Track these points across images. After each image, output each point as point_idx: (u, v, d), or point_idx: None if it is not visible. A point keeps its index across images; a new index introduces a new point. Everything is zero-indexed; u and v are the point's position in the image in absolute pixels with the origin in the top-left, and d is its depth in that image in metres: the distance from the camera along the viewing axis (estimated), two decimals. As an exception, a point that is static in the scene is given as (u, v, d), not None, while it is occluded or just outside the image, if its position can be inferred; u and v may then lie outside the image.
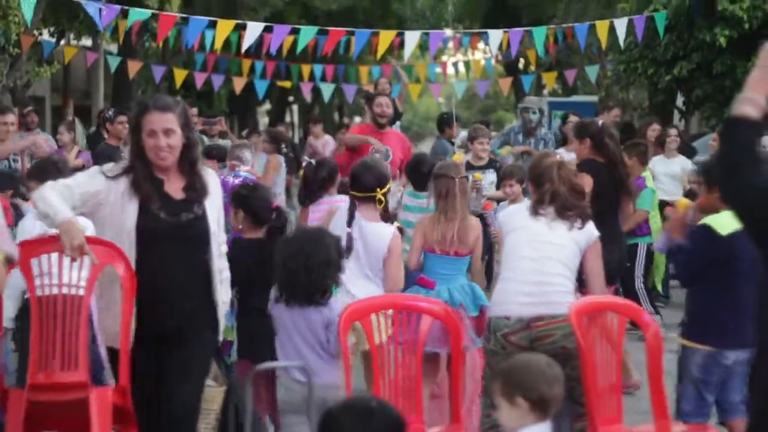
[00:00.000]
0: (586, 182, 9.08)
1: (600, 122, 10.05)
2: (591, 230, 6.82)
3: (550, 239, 6.63)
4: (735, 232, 6.18)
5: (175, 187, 5.83)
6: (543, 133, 15.35)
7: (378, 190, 7.84)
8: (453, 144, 14.80)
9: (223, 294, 6.11)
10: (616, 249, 9.30)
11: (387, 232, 7.72)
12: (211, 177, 6.06)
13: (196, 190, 5.85)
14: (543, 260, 6.62)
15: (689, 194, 10.16)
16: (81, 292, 6.15)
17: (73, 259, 5.62)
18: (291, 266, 6.41)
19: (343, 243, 7.26)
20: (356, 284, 7.47)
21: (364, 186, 7.83)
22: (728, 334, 6.44)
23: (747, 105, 3.79)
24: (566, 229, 6.69)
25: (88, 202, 5.73)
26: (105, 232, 5.82)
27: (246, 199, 7.50)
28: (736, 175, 3.79)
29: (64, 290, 6.15)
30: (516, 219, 6.87)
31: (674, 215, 6.99)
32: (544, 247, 6.62)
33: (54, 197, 5.59)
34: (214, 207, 5.94)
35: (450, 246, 8.05)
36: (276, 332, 6.60)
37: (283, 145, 14.49)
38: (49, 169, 8.21)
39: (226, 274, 6.18)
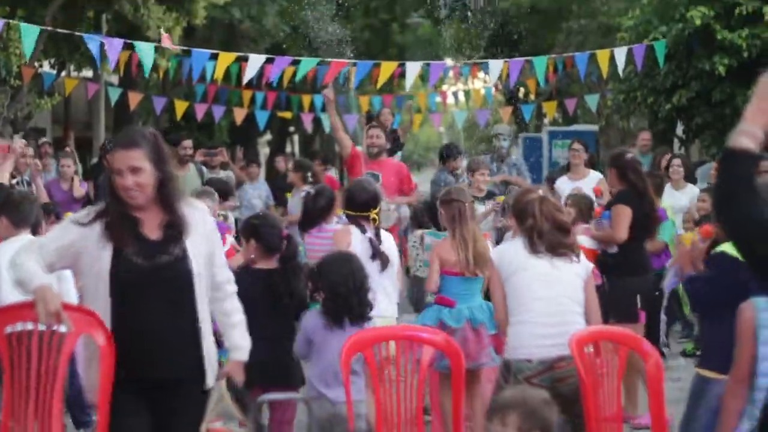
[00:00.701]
0: (624, 214, 9.24)
1: (629, 155, 10.20)
2: (586, 263, 6.87)
3: (558, 277, 6.67)
4: None
5: (152, 227, 5.51)
6: (514, 159, 15.52)
7: (372, 209, 8.07)
8: (456, 176, 14.82)
9: (238, 338, 5.84)
10: (645, 279, 9.41)
11: (392, 240, 8.47)
12: (198, 211, 5.71)
13: (174, 229, 5.50)
14: (557, 300, 6.68)
15: (702, 220, 10.09)
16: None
17: (49, 327, 5.40)
18: (341, 290, 6.91)
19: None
20: (380, 302, 7.69)
21: (361, 205, 8.08)
22: None
23: (744, 137, 3.82)
24: (568, 264, 6.72)
25: (65, 256, 5.48)
26: (85, 282, 5.61)
27: (257, 229, 7.55)
28: (734, 206, 3.82)
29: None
30: (516, 260, 6.87)
31: (681, 249, 6.97)
32: (555, 286, 6.66)
33: (28, 262, 5.35)
34: (201, 244, 5.58)
35: (467, 267, 8.25)
36: (312, 357, 7.05)
37: (309, 174, 14.51)
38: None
39: (239, 317, 5.91)
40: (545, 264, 6.75)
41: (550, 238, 6.77)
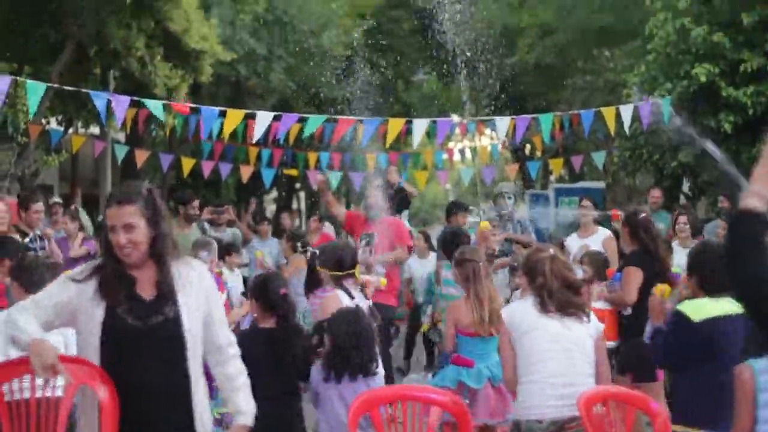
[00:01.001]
0: (634, 276, 9.25)
1: (642, 214, 10.26)
2: (596, 323, 6.85)
3: (569, 337, 6.64)
4: (710, 318, 6.26)
5: (146, 285, 5.40)
6: (519, 217, 15.56)
7: (351, 268, 8.20)
8: None
9: (242, 402, 5.73)
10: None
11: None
12: (195, 270, 5.58)
13: (168, 287, 5.38)
14: (569, 360, 6.65)
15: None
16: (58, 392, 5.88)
17: (47, 381, 5.38)
18: (342, 345, 7.09)
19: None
20: None
21: (347, 265, 8.17)
22: (712, 420, 6.39)
23: (752, 198, 3.85)
24: (578, 323, 6.71)
25: (62, 313, 5.37)
26: (78, 339, 5.47)
27: (256, 288, 7.61)
28: (741, 266, 3.84)
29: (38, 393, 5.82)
30: (527, 319, 6.85)
31: (652, 300, 7.06)
32: (566, 347, 6.64)
33: (22, 319, 5.26)
34: (197, 303, 5.46)
35: (483, 327, 8.29)
36: (317, 408, 7.22)
37: (299, 244, 14.61)
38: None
39: (243, 380, 5.80)
40: (556, 324, 6.74)
41: (559, 297, 6.77)
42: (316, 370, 7.34)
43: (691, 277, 7.05)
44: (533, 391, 6.73)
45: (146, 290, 5.39)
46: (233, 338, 5.79)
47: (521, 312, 7.00)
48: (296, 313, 7.85)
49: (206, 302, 5.52)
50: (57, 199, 17.57)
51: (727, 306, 6.54)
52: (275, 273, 9.15)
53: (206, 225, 16.47)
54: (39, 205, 13.25)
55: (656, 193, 17.41)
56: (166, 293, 5.37)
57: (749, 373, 4.63)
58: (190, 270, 5.53)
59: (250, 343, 6.98)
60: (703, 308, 6.60)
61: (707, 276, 6.89)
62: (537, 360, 6.74)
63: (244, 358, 6.33)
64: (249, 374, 6.32)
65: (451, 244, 10.23)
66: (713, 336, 6.46)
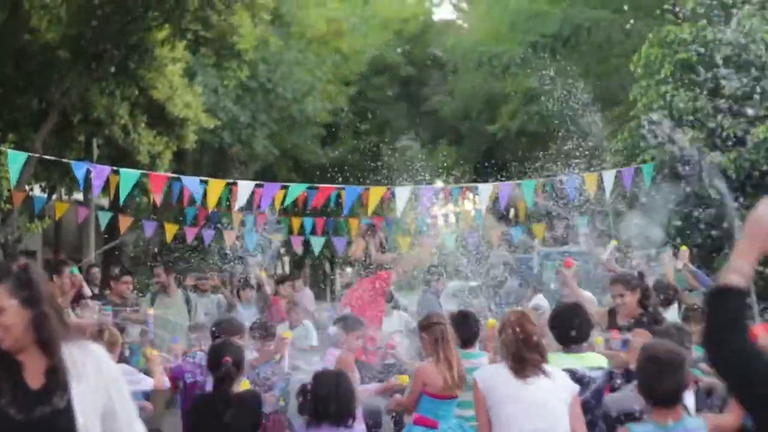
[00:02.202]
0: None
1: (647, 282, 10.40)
2: (571, 385, 6.80)
3: (545, 408, 6.59)
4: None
5: (34, 373, 4.69)
6: (509, 285, 15.62)
7: None
8: (438, 296, 15.01)
9: None
10: None
11: None
12: (93, 357, 4.85)
13: (59, 375, 4.67)
14: (549, 413, 6.62)
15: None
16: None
17: None
18: (323, 393, 7.41)
19: None
20: None
21: None
22: None
23: (733, 274, 3.83)
24: (552, 388, 6.67)
25: None
26: None
27: (211, 355, 7.76)
28: (722, 343, 3.81)
29: None
30: (502, 387, 6.79)
31: None
32: (542, 419, 6.58)
33: None
34: (92, 395, 4.74)
35: (452, 389, 8.36)
36: None
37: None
38: None
39: None
40: (531, 391, 6.66)
41: (513, 351, 6.78)
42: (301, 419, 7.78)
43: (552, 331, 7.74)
44: None
45: (34, 378, 4.70)
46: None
47: (495, 377, 6.95)
48: (234, 382, 7.76)
49: (106, 394, 4.81)
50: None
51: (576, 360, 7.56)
52: (229, 341, 9.10)
53: (191, 294, 16.37)
54: (128, 277, 13.34)
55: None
56: (55, 381, 4.68)
57: None
58: (87, 357, 4.83)
59: (201, 410, 7.47)
60: (555, 362, 7.16)
61: (563, 332, 7.86)
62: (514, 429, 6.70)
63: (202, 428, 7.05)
64: None
65: (462, 329, 10.09)
66: None
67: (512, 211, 31.09)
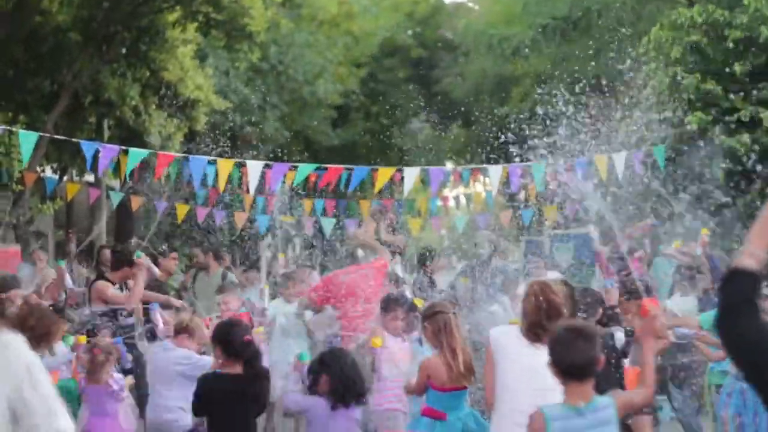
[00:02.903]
0: None
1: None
2: None
3: (543, 370, 6.57)
4: None
5: None
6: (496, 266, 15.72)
7: None
8: (431, 278, 15.25)
9: None
10: None
11: None
12: (5, 350, 4.63)
13: None
14: (541, 393, 6.59)
15: None
16: None
17: None
18: (349, 374, 7.85)
19: None
20: None
21: None
22: None
23: (746, 257, 3.86)
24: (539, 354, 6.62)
25: None
26: None
27: (219, 335, 7.70)
28: (733, 325, 3.83)
29: None
30: (510, 346, 6.83)
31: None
32: (541, 381, 6.57)
33: None
34: (3, 389, 4.48)
35: (459, 380, 8.19)
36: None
37: None
38: None
39: None
40: (533, 354, 6.64)
41: (531, 320, 6.78)
42: (317, 402, 7.94)
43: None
44: (503, 425, 6.82)
45: None
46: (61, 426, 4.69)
47: (506, 335, 7.01)
48: (261, 358, 7.93)
49: (12, 384, 4.55)
50: (37, 245, 17.61)
51: None
52: (239, 320, 9.19)
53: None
54: (175, 254, 13.49)
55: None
56: None
57: (541, 419, 5.27)
58: None
59: (214, 387, 7.50)
60: None
61: None
62: (512, 393, 6.72)
63: (208, 400, 7.21)
64: (212, 415, 6.95)
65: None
66: None
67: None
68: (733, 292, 3.89)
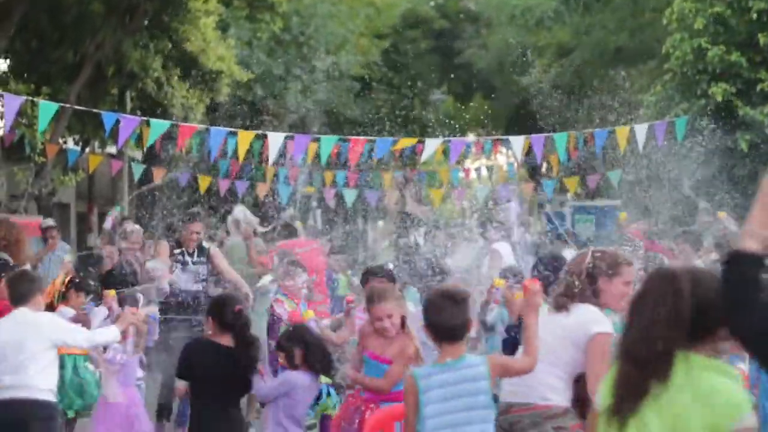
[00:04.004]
0: None
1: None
2: (586, 327, 6.70)
3: (548, 333, 6.62)
4: None
5: None
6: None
7: None
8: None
9: None
10: None
11: None
12: None
13: None
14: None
15: None
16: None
17: None
18: (319, 343, 8.20)
19: None
20: None
21: None
22: None
23: (749, 238, 3.72)
24: (559, 321, 6.66)
25: None
26: None
27: (217, 307, 7.81)
28: (742, 310, 3.73)
29: None
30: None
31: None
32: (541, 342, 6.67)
33: None
34: None
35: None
36: (287, 405, 7.92)
37: None
38: None
39: None
40: (545, 319, 6.71)
41: (564, 287, 6.85)
42: (302, 377, 8.05)
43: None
44: None
45: None
46: None
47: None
48: (250, 327, 8.02)
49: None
50: (51, 222, 17.58)
51: None
52: (231, 293, 9.33)
53: None
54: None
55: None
56: None
57: (411, 381, 5.66)
58: None
59: (203, 356, 7.59)
60: None
61: None
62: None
63: (196, 369, 7.42)
64: (200, 386, 7.20)
65: None
66: None
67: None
68: (737, 275, 3.74)
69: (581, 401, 6.68)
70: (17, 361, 7.89)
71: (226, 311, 7.72)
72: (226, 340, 7.64)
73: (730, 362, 7.05)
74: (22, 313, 8.14)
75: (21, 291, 8.28)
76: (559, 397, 6.66)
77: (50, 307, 9.86)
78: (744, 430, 3.68)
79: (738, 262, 3.76)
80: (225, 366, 7.55)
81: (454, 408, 5.63)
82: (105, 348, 9.13)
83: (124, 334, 8.85)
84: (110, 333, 8.62)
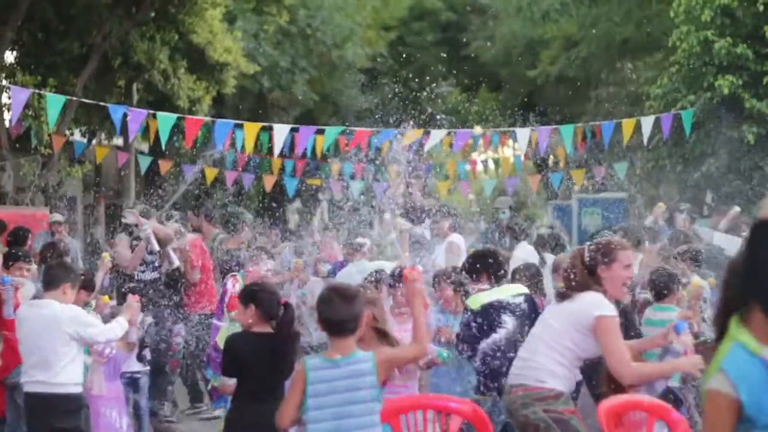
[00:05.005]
0: None
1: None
2: (587, 312, 6.82)
3: (544, 319, 6.85)
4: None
5: None
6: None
7: None
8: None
9: None
10: None
11: None
12: None
13: None
14: (539, 337, 6.99)
15: None
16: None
17: None
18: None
19: None
20: None
21: None
22: None
23: None
24: (564, 307, 6.87)
25: None
26: None
27: (256, 295, 7.66)
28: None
29: None
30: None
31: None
32: (544, 327, 6.80)
33: None
34: None
35: None
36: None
37: None
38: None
39: None
40: (555, 308, 7.08)
41: (570, 278, 7.02)
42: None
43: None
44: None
45: None
46: None
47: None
48: (293, 319, 7.96)
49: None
50: (58, 217, 17.59)
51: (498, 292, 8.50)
52: (270, 282, 9.20)
53: None
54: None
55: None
56: None
57: (302, 368, 5.90)
58: None
59: (249, 348, 7.37)
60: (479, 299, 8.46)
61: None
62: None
63: (239, 360, 7.17)
64: (248, 377, 7.05)
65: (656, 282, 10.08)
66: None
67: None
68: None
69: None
70: (43, 356, 8.18)
71: (270, 302, 7.68)
72: (267, 328, 7.60)
73: None
74: (46, 303, 8.36)
75: (50, 277, 8.52)
76: (556, 381, 6.83)
77: None
78: None
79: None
80: (271, 354, 7.50)
81: (336, 402, 5.87)
82: None
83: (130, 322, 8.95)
84: (120, 326, 8.70)
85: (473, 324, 8.30)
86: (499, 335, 8.16)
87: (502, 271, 8.92)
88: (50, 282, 8.44)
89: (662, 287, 9.56)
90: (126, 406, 10.02)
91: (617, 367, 6.68)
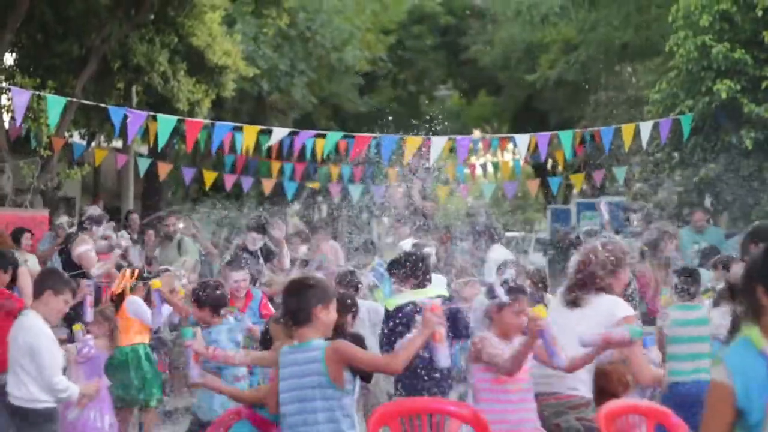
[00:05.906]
0: None
1: None
2: (609, 314, 6.89)
3: (566, 325, 6.86)
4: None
5: None
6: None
7: None
8: None
9: None
10: None
11: None
12: None
13: None
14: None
15: None
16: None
17: None
18: None
19: None
20: None
21: None
22: None
23: None
24: (582, 314, 6.89)
25: None
26: None
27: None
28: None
29: None
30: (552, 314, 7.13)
31: None
32: (559, 335, 6.87)
33: None
34: None
35: None
36: None
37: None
38: None
39: None
40: (561, 313, 7.15)
41: (585, 276, 7.20)
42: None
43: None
44: None
45: None
46: None
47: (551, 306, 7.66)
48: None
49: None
50: (63, 220, 17.57)
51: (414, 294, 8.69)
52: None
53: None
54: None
55: (700, 216, 16.97)
56: None
57: (278, 354, 6.35)
58: None
59: None
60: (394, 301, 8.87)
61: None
62: None
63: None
64: None
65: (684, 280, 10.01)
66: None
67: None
68: None
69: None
70: (20, 373, 8.14)
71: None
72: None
73: None
74: (25, 316, 8.30)
75: (35, 287, 8.51)
76: (586, 388, 6.97)
77: (121, 297, 11.03)
78: None
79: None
80: None
81: (297, 385, 6.14)
82: (73, 339, 9.33)
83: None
84: (71, 393, 8.40)
85: (390, 324, 8.68)
86: (412, 336, 8.31)
87: (428, 277, 9.18)
88: (34, 293, 8.44)
89: (687, 286, 9.57)
90: (108, 404, 9.96)
91: (640, 364, 6.91)
